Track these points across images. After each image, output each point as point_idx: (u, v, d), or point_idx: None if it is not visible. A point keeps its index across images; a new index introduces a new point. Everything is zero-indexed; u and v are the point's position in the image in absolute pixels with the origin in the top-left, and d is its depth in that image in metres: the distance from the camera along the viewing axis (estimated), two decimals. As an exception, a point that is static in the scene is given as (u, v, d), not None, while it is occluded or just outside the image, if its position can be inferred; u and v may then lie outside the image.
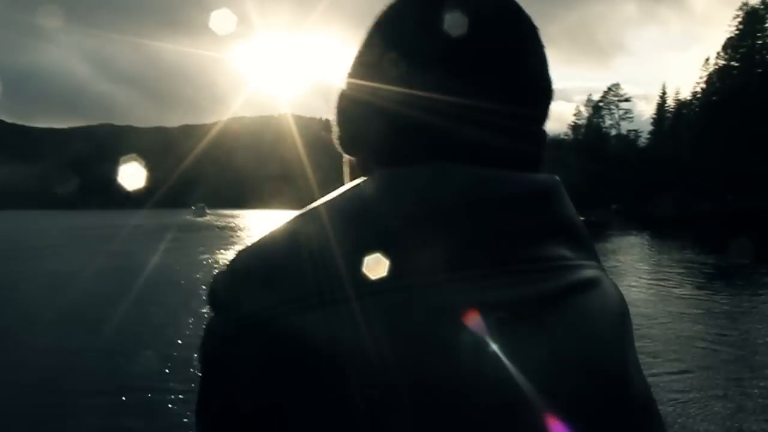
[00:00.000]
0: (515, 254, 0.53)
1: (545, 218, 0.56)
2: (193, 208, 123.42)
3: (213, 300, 0.53)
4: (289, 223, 0.55)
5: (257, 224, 76.57)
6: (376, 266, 0.49)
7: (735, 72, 64.71)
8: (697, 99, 71.06)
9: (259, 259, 0.52)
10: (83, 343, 10.94)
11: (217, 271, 0.55)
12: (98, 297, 15.81)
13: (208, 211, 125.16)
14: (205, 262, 25.01)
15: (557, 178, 0.59)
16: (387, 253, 0.49)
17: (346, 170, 0.67)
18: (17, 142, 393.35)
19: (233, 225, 73.55)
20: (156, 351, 10.05)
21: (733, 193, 55.19)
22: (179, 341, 10.72)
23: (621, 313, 0.58)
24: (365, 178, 0.56)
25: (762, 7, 64.50)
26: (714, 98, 65.79)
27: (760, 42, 64.54)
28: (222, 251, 30.90)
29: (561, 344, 0.51)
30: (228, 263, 0.54)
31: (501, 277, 0.51)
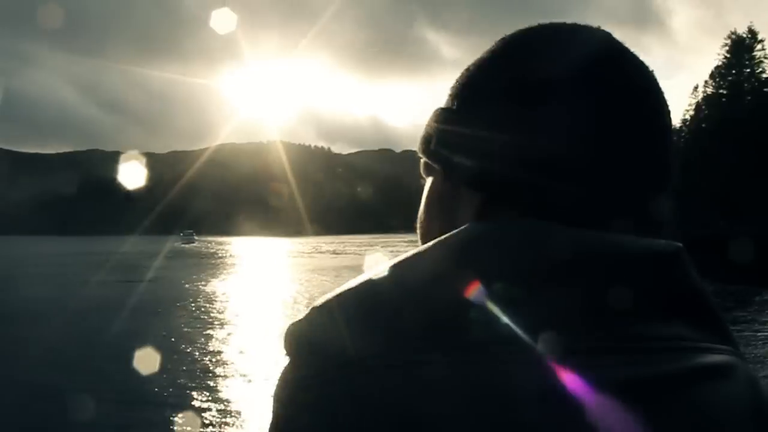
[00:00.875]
0: (629, 329, 0.48)
1: (664, 290, 0.51)
2: (181, 234, 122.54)
3: (305, 341, 0.51)
4: (394, 267, 0.52)
5: (247, 252, 75.84)
6: (476, 325, 0.46)
7: (724, 100, 65.15)
8: (687, 126, 71.44)
9: (362, 305, 0.50)
10: (61, 380, 10.33)
11: (303, 316, 0.53)
12: (80, 333, 15.12)
13: (196, 237, 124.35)
14: (197, 296, 24.32)
15: (680, 245, 0.54)
16: (492, 312, 0.47)
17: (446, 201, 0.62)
18: (4, 167, 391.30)
19: (223, 253, 72.67)
20: (138, 394, 9.45)
21: (726, 219, 55.17)
22: (166, 384, 10.08)
23: (757, 413, 0.48)
24: (469, 226, 0.54)
25: (749, 36, 65.25)
26: (703, 125, 66.17)
27: (747, 70, 65.12)
28: (213, 281, 30.18)
29: None
30: (322, 305, 0.52)
31: (613, 354, 0.46)
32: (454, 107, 0.63)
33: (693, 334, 0.50)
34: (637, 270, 0.50)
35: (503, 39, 0.62)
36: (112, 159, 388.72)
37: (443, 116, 0.62)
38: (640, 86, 0.58)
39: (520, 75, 0.58)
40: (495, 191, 0.57)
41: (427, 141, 0.63)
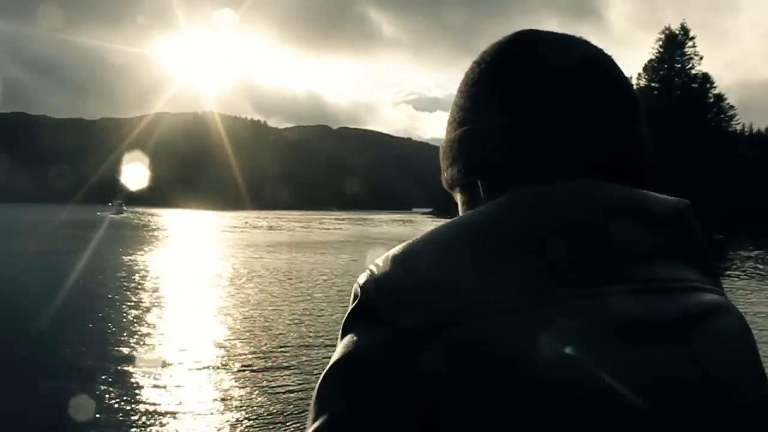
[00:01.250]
0: (652, 272, 0.54)
1: (679, 240, 0.58)
2: (110, 204, 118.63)
3: (373, 312, 0.52)
4: (438, 232, 0.56)
5: (180, 225, 74.09)
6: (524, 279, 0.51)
7: (656, 93, 67.09)
8: (619, 117, 73.35)
9: (414, 270, 0.53)
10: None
11: (364, 279, 0.53)
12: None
13: (125, 208, 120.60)
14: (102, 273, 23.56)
15: (688, 201, 0.61)
16: (533, 266, 0.52)
17: (461, 200, 0.71)
18: None
19: (153, 225, 70.69)
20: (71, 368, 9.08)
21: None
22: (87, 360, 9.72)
23: (752, 342, 0.58)
24: (511, 194, 0.57)
25: (681, 33, 67.24)
26: (635, 117, 67.99)
27: (678, 66, 67.20)
28: (135, 257, 29.34)
29: (705, 362, 0.51)
30: (382, 270, 0.53)
31: (643, 294, 0.52)
32: (448, 136, 0.70)
33: (699, 277, 0.58)
34: (659, 220, 0.57)
35: (497, 46, 0.69)
36: (38, 122, 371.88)
37: (443, 151, 0.71)
38: (622, 86, 0.66)
39: (514, 77, 0.65)
40: (492, 180, 0.64)
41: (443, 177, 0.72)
